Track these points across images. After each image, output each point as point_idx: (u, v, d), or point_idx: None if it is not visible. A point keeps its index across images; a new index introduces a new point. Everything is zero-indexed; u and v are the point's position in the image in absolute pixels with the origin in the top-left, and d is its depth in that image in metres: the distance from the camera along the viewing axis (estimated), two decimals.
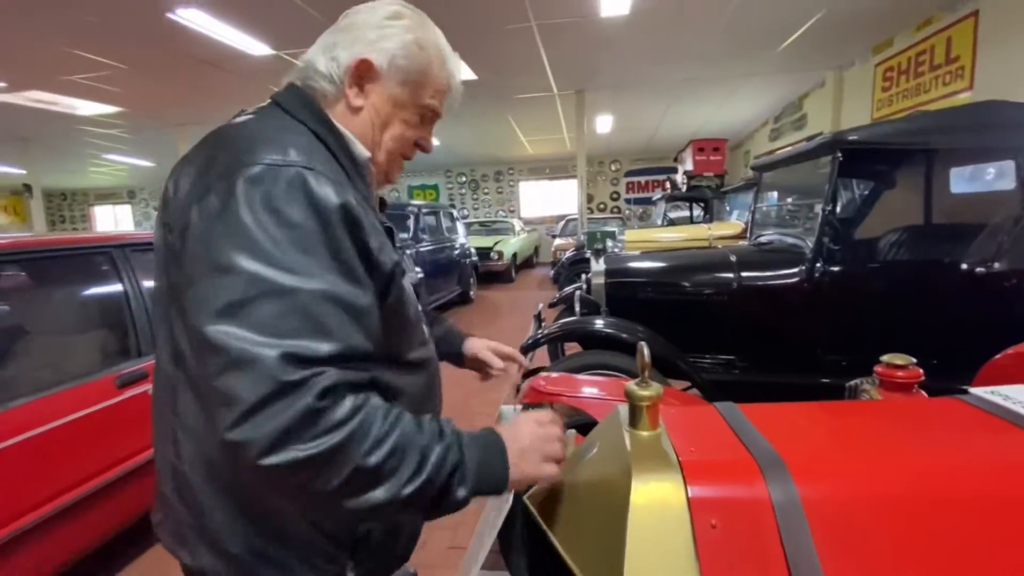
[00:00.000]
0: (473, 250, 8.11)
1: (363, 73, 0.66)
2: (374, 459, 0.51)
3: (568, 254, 6.71)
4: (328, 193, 0.54)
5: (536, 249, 12.76)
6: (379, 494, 0.52)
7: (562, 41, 5.25)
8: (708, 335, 2.49)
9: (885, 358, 1.07)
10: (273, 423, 0.46)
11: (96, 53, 5.04)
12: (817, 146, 2.30)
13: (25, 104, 6.46)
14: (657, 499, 0.63)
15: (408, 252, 5.70)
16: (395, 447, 0.53)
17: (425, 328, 0.76)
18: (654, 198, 7.28)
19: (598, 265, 2.75)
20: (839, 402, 0.87)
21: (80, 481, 1.51)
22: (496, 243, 9.46)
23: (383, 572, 0.74)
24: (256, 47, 5.06)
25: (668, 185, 7.29)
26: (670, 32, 5.09)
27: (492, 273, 9.36)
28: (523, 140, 10.74)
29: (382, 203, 0.82)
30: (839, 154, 2.16)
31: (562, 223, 10.72)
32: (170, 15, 4.20)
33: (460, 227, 7.73)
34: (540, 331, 2.57)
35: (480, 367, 1.05)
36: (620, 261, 2.83)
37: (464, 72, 6.02)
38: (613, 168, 13.14)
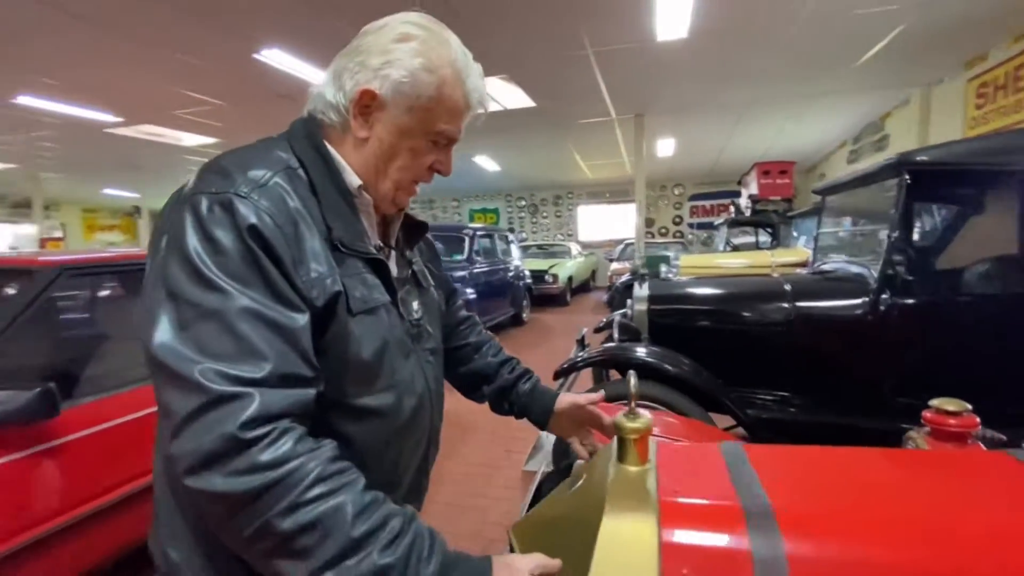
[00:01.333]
0: (527, 272, 8.15)
1: (367, 104, 0.64)
2: (286, 524, 0.46)
3: (623, 279, 6.58)
4: (246, 215, 0.53)
5: (593, 273, 12.62)
6: (294, 569, 0.47)
7: (619, 67, 5.26)
8: (759, 369, 2.33)
9: (935, 403, 0.95)
10: (197, 442, 0.46)
11: (197, 91, 5.67)
12: (882, 168, 2.13)
13: (138, 136, 7.34)
14: (627, 540, 0.60)
15: (463, 274, 5.82)
16: (316, 521, 0.47)
17: (405, 369, 0.68)
18: (715, 223, 7.00)
19: (641, 291, 2.67)
20: (868, 449, 0.78)
21: (143, 473, 1.65)
22: (551, 266, 9.46)
23: None
24: (315, 75, 5.46)
25: (732, 209, 7.00)
26: (732, 53, 4.96)
27: (547, 296, 9.34)
28: (582, 165, 10.77)
29: (418, 226, 0.81)
30: (906, 176, 1.98)
31: (620, 247, 10.55)
32: (256, 56, 4.65)
33: (514, 249, 7.81)
34: (579, 355, 2.52)
35: (573, 426, 0.93)
36: (665, 287, 2.74)
37: (522, 100, 6.18)
38: (676, 192, 12.83)
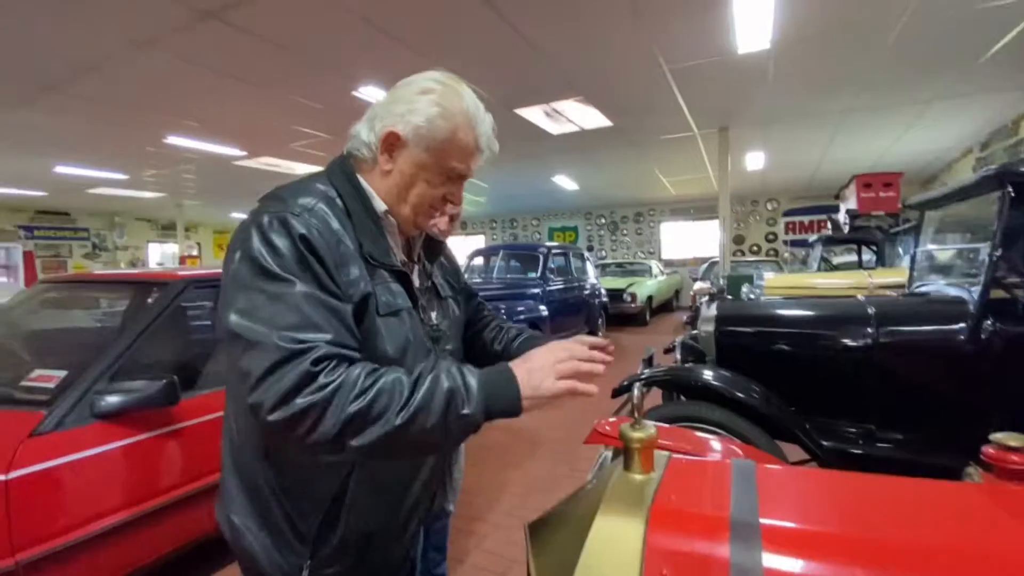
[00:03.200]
0: (603, 291, 8.08)
1: (392, 143, 0.78)
2: (359, 405, 0.61)
3: (704, 299, 6.31)
4: (298, 227, 0.68)
5: (677, 293, 12.17)
6: (375, 430, 0.62)
7: (697, 82, 5.15)
8: (835, 398, 2.17)
9: (996, 437, 0.88)
10: (277, 386, 0.60)
11: (307, 127, 6.39)
12: (981, 180, 1.93)
13: (259, 167, 8.37)
14: (613, 540, 0.65)
15: (537, 291, 5.93)
16: (378, 392, 0.63)
17: (426, 364, 0.78)
18: (809, 239, 6.50)
19: (709, 310, 2.60)
20: (890, 478, 0.75)
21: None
22: (630, 284, 9.28)
23: None
24: None
25: (829, 225, 6.46)
26: (821, 61, 4.67)
27: (625, 315, 9.16)
28: (664, 181, 10.52)
29: (438, 244, 0.96)
30: (1009, 189, 1.78)
31: (705, 265, 10.11)
32: (354, 92, 5.17)
33: (590, 267, 7.79)
34: (642, 374, 2.50)
35: None
36: (735, 307, 2.64)
37: (598, 120, 6.24)
38: (769, 207, 12.07)
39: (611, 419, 1.54)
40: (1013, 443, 0.86)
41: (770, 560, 0.57)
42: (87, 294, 2.54)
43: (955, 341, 1.91)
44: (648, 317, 9.72)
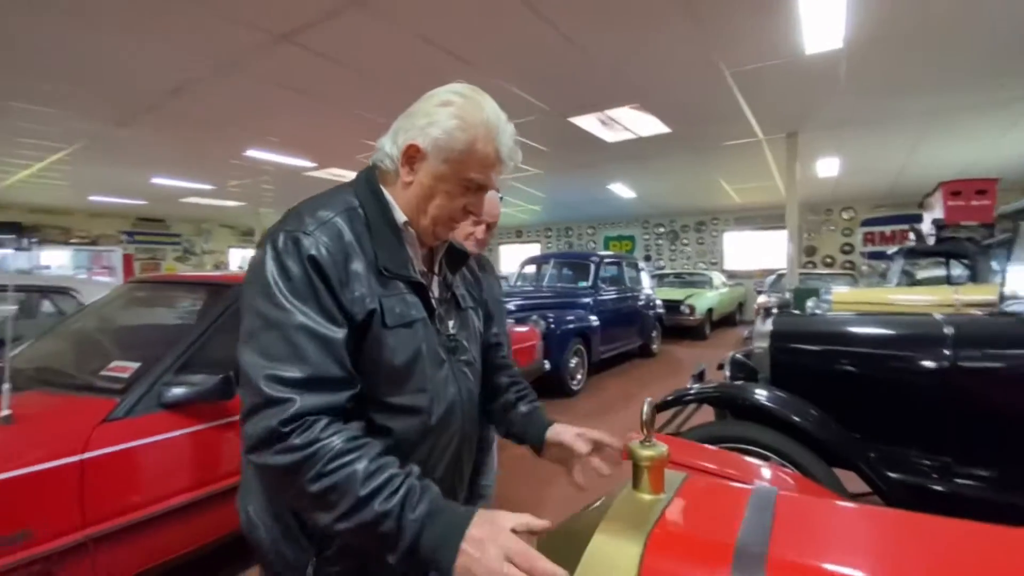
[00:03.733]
0: (659, 302, 7.84)
1: (412, 155, 0.79)
2: (315, 488, 0.63)
3: (761, 313, 5.96)
4: (308, 248, 0.70)
5: (740, 305, 11.60)
6: (323, 518, 0.64)
7: (761, 85, 4.92)
8: (909, 426, 1.98)
9: None
10: (255, 429, 0.65)
11: (371, 139, 6.71)
12: None
13: (328, 177, 8.87)
14: (609, 559, 0.63)
15: (588, 300, 5.86)
16: (334, 485, 0.62)
17: (438, 377, 0.80)
18: (888, 251, 5.98)
19: (764, 326, 2.46)
20: (950, 520, 0.67)
21: None
22: (688, 296, 8.96)
23: None
24: None
25: (912, 236, 5.91)
26: (901, 60, 4.33)
27: (683, 328, 8.85)
28: (727, 189, 10.09)
29: (461, 255, 0.95)
30: None
31: (772, 278, 9.56)
32: None
33: (645, 277, 7.59)
34: (689, 389, 2.40)
35: (565, 456, 0.94)
36: (793, 323, 2.47)
37: (655, 127, 6.11)
38: (845, 216, 11.26)
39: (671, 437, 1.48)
40: None
41: None
42: (167, 294, 2.79)
43: None
44: (708, 331, 9.32)
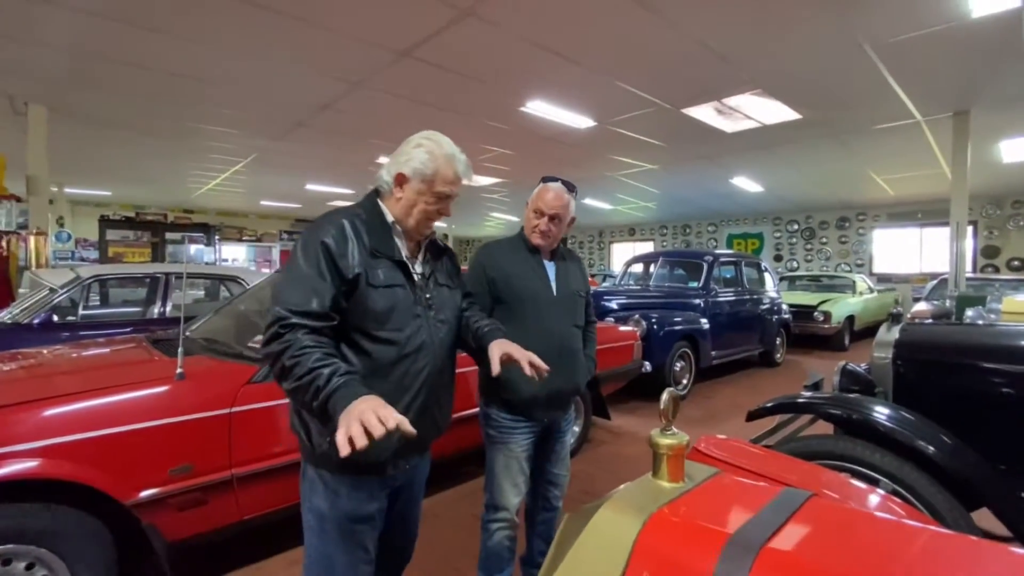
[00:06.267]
0: (786, 307, 7.13)
1: (400, 181, 1.22)
2: (287, 362, 1.01)
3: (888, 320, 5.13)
4: (322, 237, 1.12)
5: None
6: (286, 383, 1.03)
7: (913, 59, 4.25)
8: None
9: None
10: (267, 334, 1.06)
11: (488, 144, 7.07)
12: None
13: None
14: (607, 533, 0.66)
15: (698, 302, 5.55)
16: (296, 362, 1.01)
17: (413, 324, 1.20)
18: None
19: (888, 334, 2.17)
20: (958, 536, 0.59)
21: None
22: (823, 301, 8.00)
23: (345, 464, 1.09)
24: (582, 122, 6.06)
25: None
26: None
27: (817, 337, 7.93)
28: (877, 179, 8.80)
29: (443, 249, 1.39)
30: None
31: (933, 283, 8.14)
32: (521, 108, 5.56)
33: (768, 279, 6.95)
34: (792, 398, 2.20)
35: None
36: (926, 332, 2.15)
37: (781, 113, 5.60)
38: None
39: (722, 437, 1.43)
40: None
41: None
42: None
43: None
44: (847, 341, 8.24)
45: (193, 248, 12.22)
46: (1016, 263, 9.33)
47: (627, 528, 0.65)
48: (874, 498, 1.16)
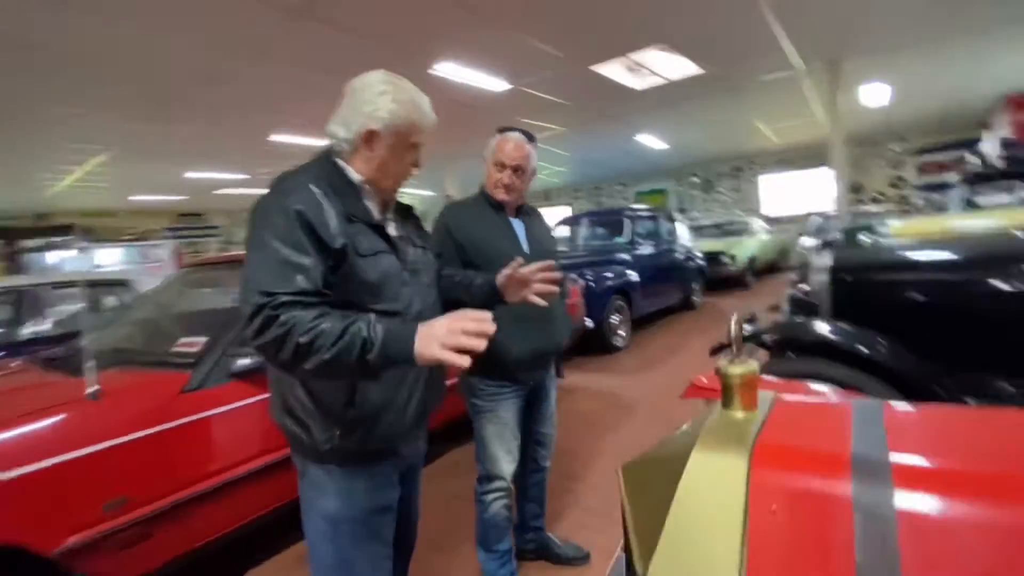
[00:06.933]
0: (699, 254, 7.62)
1: (370, 139, 1.03)
2: (304, 339, 0.84)
3: (815, 246, 5.70)
4: (293, 205, 0.92)
5: (783, 252, 11.15)
6: (314, 359, 0.85)
7: (799, 8, 4.57)
8: (990, 351, 1.87)
9: None
10: (254, 324, 0.86)
11: None
12: None
13: None
14: (712, 476, 0.60)
15: (626, 257, 5.74)
16: (318, 333, 0.85)
17: (405, 291, 1.07)
18: (948, 180, 5.58)
19: (822, 259, 2.34)
20: None
21: None
22: (728, 246, 8.66)
23: (366, 452, 1.04)
24: (495, 84, 5.89)
25: (976, 160, 5.48)
26: None
27: (725, 279, 8.60)
28: (764, 130, 9.59)
29: (407, 208, 1.23)
30: None
31: (815, 220, 9.09)
32: (431, 71, 5.27)
33: (682, 230, 7.36)
34: (745, 332, 2.33)
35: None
36: (854, 255, 2.36)
37: (685, 68, 5.80)
38: (896, 150, 10.55)
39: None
40: None
41: (904, 500, 0.50)
42: (220, 274, 2.88)
43: None
44: (751, 280, 9.04)
45: (59, 256, 10.48)
46: (878, 196, 10.70)
47: (734, 466, 0.59)
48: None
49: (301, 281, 0.89)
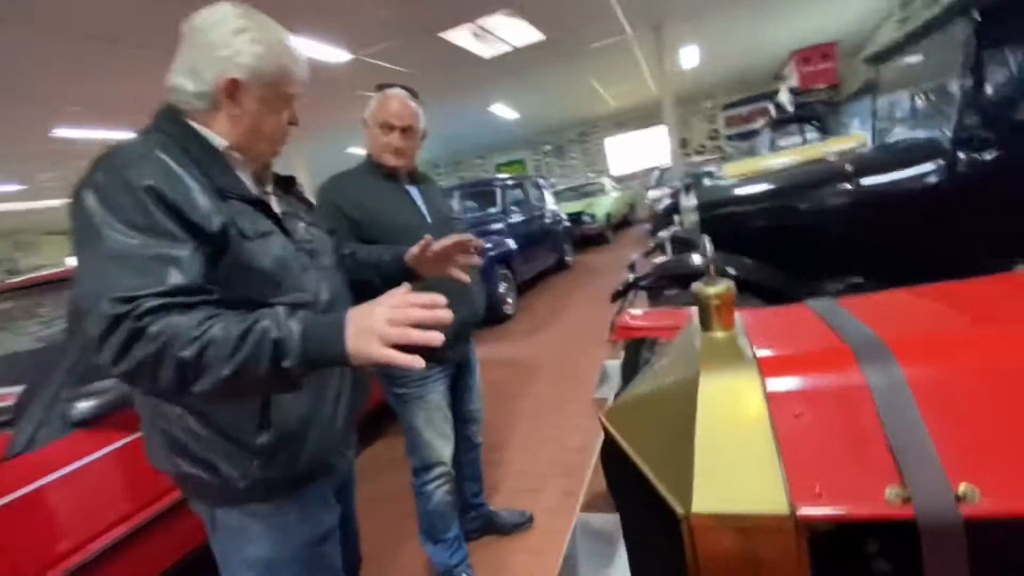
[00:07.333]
0: (565, 216, 8.02)
1: (233, 91, 0.80)
2: (189, 353, 0.63)
3: (664, 204, 6.35)
4: (140, 180, 0.69)
5: (632, 206, 12.26)
6: (208, 378, 0.64)
7: None
8: (826, 258, 2.22)
9: None
10: (111, 344, 0.63)
11: None
12: (944, 11, 1.89)
13: None
14: (729, 395, 0.58)
15: (500, 226, 5.79)
16: (208, 341, 0.64)
17: (308, 278, 0.87)
18: (757, 127, 6.56)
19: (689, 199, 2.57)
20: (974, 280, 0.72)
21: None
22: (587, 206, 9.26)
23: (296, 478, 0.86)
24: (336, 55, 5.39)
25: (773, 109, 6.51)
26: None
27: (588, 237, 9.20)
28: (603, 94, 10.28)
29: (286, 178, 1.01)
30: (975, 15, 1.76)
31: (656, 174, 10.14)
32: None
33: (547, 195, 7.66)
34: (633, 276, 2.48)
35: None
36: (714, 191, 2.62)
37: (529, 34, 5.87)
38: (708, 105, 12.07)
39: (637, 311, 1.49)
40: None
41: (911, 373, 0.52)
42: (22, 303, 2.24)
43: (932, 180, 1.94)
44: (610, 236, 9.80)
45: None
46: (700, 148, 12.21)
47: (748, 382, 0.58)
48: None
49: (173, 276, 0.67)
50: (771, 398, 0.56)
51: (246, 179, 0.87)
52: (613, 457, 0.73)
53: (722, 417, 0.57)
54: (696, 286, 0.71)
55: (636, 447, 0.67)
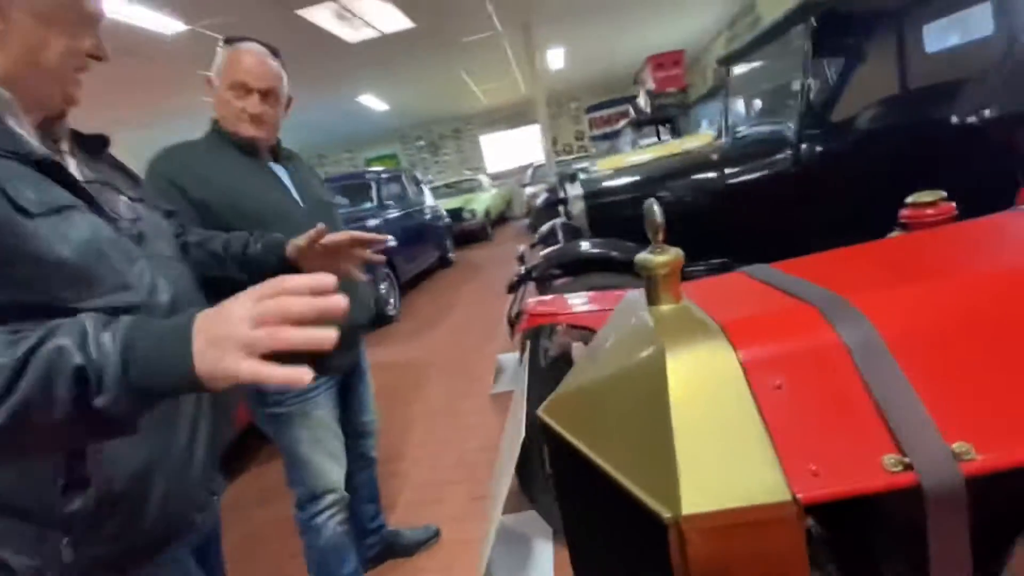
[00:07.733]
0: (445, 212, 7.86)
1: None
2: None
3: (541, 199, 6.52)
4: None
5: (509, 203, 12.50)
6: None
7: None
8: (700, 241, 2.38)
9: (911, 199, 0.95)
10: None
11: None
12: (787, 17, 2.13)
13: None
14: (701, 370, 0.50)
15: (376, 222, 5.44)
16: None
17: (137, 271, 0.64)
18: (619, 127, 7.05)
19: (574, 188, 2.60)
20: (888, 239, 0.76)
21: None
22: (467, 202, 9.20)
23: (137, 551, 0.64)
24: (166, 24, 4.60)
25: (632, 111, 7.05)
26: None
27: (468, 233, 9.14)
28: (475, 90, 10.29)
29: (96, 138, 0.75)
30: (813, 21, 1.99)
31: (530, 171, 10.43)
32: None
33: (426, 190, 7.44)
34: (525, 268, 2.44)
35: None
36: (598, 181, 2.69)
37: (399, 21, 5.60)
38: (573, 107, 12.74)
39: (544, 298, 1.42)
40: (928, 199, 0.94)
41: (886, 330, 0.49)
42: None
43: (783, 169, 2.18)
44: (490, 231, 9.86)
45: None
46: (568, 147, 12.85)
47: (721, 355, 0.51)
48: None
49: None
50: (748, 369, 0.49)
51: (20, 129, 0.60)
52: (562, 459, 0.62)
53: (698, 397, 0.49)
54: (642, 256, 0.63)
55: (594, 446, 0.57)
